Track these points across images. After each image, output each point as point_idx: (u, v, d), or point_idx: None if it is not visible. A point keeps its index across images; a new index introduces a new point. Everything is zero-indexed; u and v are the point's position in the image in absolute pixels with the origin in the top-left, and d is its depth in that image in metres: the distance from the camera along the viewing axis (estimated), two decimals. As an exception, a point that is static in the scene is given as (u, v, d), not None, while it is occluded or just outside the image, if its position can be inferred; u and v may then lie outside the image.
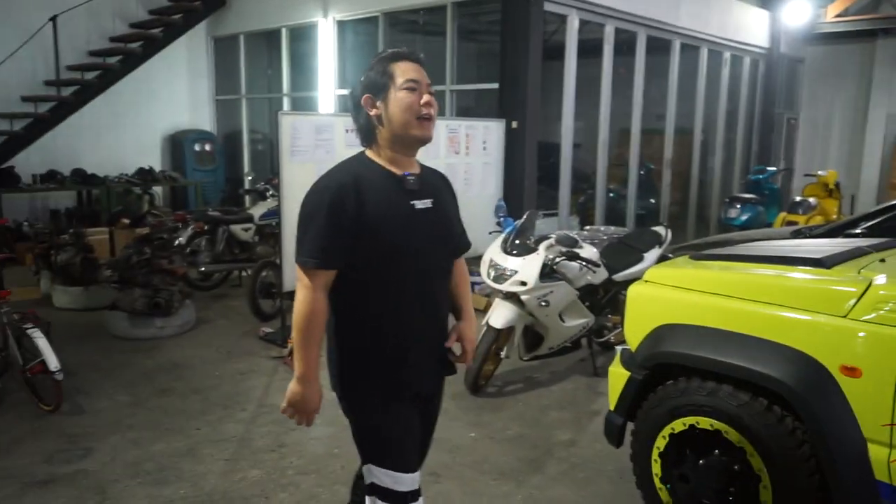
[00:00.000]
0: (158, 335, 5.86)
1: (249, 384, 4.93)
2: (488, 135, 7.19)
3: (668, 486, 2.98)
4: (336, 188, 1.98)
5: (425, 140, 2.06)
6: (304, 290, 2.00)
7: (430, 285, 2.13)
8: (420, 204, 2.07)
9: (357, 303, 2.06)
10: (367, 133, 2.08)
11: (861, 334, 2.46)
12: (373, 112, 2.04)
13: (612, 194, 9.87)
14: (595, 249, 5.02)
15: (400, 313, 2.08)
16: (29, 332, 4.28)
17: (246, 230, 7.39)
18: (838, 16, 11.95)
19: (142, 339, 5.80)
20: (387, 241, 1.99)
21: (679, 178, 10.92)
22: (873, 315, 2.44)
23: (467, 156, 6.96)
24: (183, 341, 5.85)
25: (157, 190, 10.82)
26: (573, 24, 8.14)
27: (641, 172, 9.95)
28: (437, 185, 2.20)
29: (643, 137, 9.72)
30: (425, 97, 2.02)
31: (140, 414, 4.40)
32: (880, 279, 2.55)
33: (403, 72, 2.02)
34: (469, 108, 9.78)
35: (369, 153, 2.10)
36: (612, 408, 3.24)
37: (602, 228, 6.87)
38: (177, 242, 6.63)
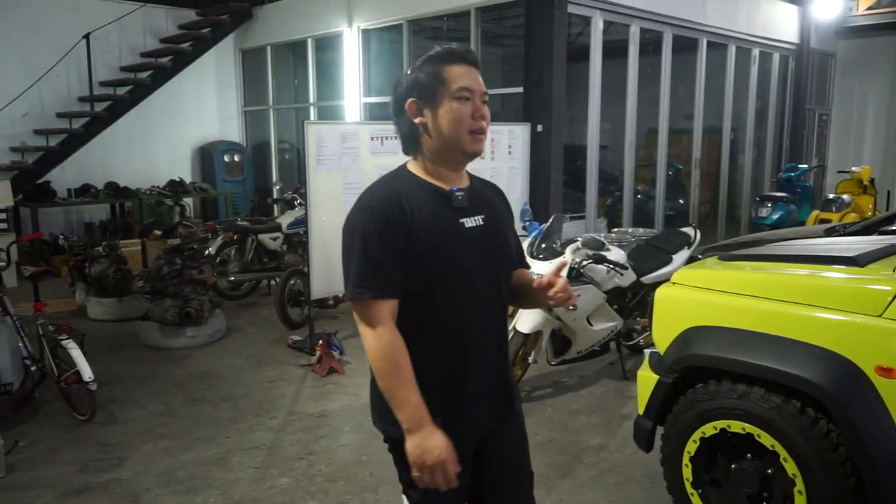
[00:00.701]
0: (189, 344, 5.94)
1: (279, 392, 4.97)
2: (514, 139, 7.17)
3: (700, 491, 2.92)
4: (380, 206, 1.75)
5: (475, 156, 1.83)
6: (367, 329, 1.74)
7: (485, 307, 1.89)
8: (470, 222, 1.85)
9: (404, 329, 1.78)
10: (411, 141, 1.85)
11: (897, 334, 2.39)
12: (418, 120, 1.80)
13: (639, 196, 9.77)
14: (622, 252, 4.97)
15: (453, 339, 1.85)
16: (63, 343, 4.36)
17: (274, 239, 7.46)
18: (870, 8, 11.70)
19: (173, 349, 5.88)
20: (436, 262, 1.78)
21: (708, 178, 10.78)
22: (909, 314, 2.38)
23: (493, 160, 6.94)
24: (213, 350, 5.92)
25: (188, 201, 11.00)
26: (597, 26, 8.09)
27: (670, 173, 9.83)
28: (489, 198, 1.97)
29: (671, 137, 9.62)
30: (480, 108, 1.79)
31: (172, 423, 4.45)
32: (916, 277, 2.48)
33: (457, 77, 1.77)
34: (495, 112, 9.67)
35: (412, 166, 1.87)
36: (641, 412, 3.20)
37: (630, 230, 6.81)
38: (207, 252, 6.72)
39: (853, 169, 9.43)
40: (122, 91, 9.95)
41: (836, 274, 2.74)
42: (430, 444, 1.67)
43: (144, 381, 5.19)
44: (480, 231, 1.87)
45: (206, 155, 11.35)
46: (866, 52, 12.40)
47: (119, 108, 9.86)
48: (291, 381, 5.18)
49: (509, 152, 7.11)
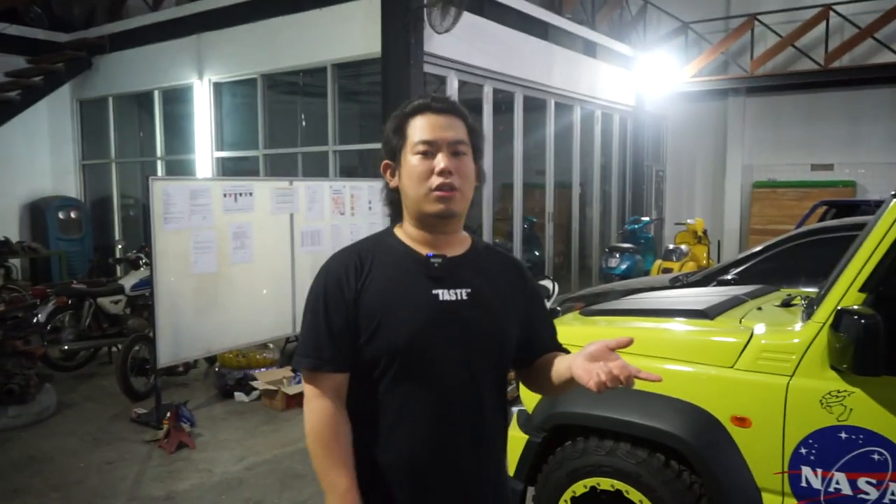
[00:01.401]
0: (12, 425, 5.24)
1: (119, 474, 4.46)
2: (373, 194, 7.11)
3: (573, 552, 2.88)
4: (335, 270, 1.59)
5: (443, 216, 1.58)
6: (308, 401, 1.56)
7: (458, 417, 1.56)
8: (447, 294, 1.57)
9: (354, 415, 1.58)
10: (392, 207, 1.69)
11: (748, 384, 2.50)
12: (392, 183, 1.64)
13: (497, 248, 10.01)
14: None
15: (402, 444, 1.55)
16: None
17: (115, 302, 6.86)
18: (693, 76, 12.94)
19: (-8, 432, 5.17)
20: (390, 339, 1.52)
21: (561, 230, 11.26)
22: (757, 364, 2.49)
23: (353, 216, 6.83)
24: (41, 431, 5.26)
25: (15, 262, 9.95)
26: (453, 85, 8.31)
27: (525, 226, 10.18)
28: (490, 271, 1.68)
29: (525, 191, 9.98)
30: (442, 162, 1.55)
31: (-13, 521, 3.86)
32: (760, 328, 2.62)
33: (416, 129, 1.58)
34: (353, 167, 9.70)
35: (398, 229, 1.68)
36: (511, 473, 3.14)
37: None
38: (35, 320, 6.03)
39: (688, 221, 10.20)
40: (-65, 141, 8.94)
41: (688, 327, 2.85)
42: None
43: (-46, 473, 4.50)
44: (460, 308, 1.57)
45: (38, 211, 10.37)
46: (693, 116, 13.68)
47: (-69, 159, 8.84)
48: (134, 461, 4.68)
49: (369, 208, 7.03)
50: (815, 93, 12.52)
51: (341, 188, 6.78)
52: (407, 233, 1.66)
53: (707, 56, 12.83)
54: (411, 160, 1.58)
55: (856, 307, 2.18)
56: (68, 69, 10.18)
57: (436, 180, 1.55)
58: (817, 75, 12.08)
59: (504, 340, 1.65)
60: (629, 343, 1.49)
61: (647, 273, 9.50)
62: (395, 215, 1.69)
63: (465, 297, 1.58)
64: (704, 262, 9.39)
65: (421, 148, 1.57)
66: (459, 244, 1.66)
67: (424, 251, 1.61)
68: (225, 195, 5.65)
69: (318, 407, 1.54)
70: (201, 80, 9.25)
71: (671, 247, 9.56)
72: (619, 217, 12.71)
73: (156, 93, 9.94)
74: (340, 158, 8.51)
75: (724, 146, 13.40)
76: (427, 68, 7.72)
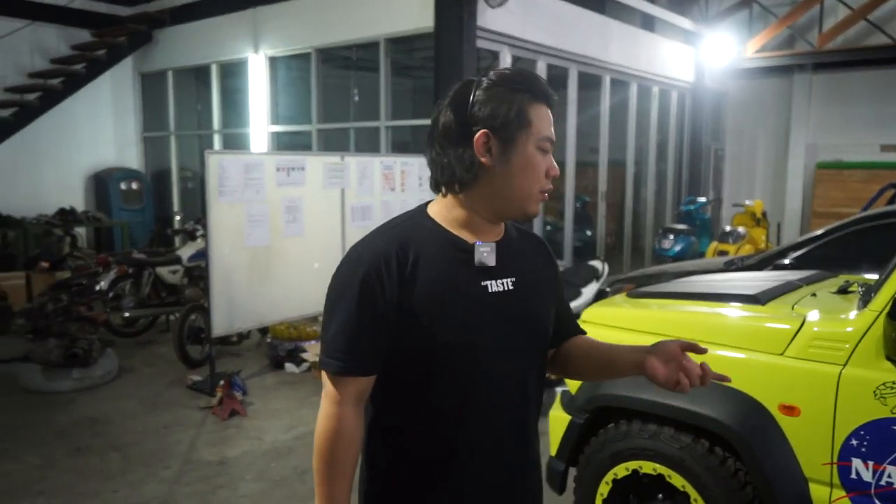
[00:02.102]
0: (76, 388, 5.49)
1: (174, 438, 4.64)
2: (424, 171, 7.11)
3: (613, 533, 2.88)
4: (371, 260, 1.41)
5: (533, 217, 1.51)
6: (326, 402, 1.45)
7: (505, 409, 1.50)
8: (496, 285, 1.47)
9: (391, 423, 1.49)
10: (459, 179, 1.44)
11: (798, 372, 2.43)
12: (485, 159, 1.41)
13: (549, 227, 9.93)
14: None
15: (456, 447, 1.46)
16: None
17: (173, 272, 7.08)
18: (757, 52, 12.47)
19: (58, 393, 5.42)
20: (439, 338, 1.41)
21: (614, 210, 11.09)
22: (809, 352, 2.42)
23: (403, 192, 6.87)
24: (103, 394, 5.50)
25: (81, 231, 10.34)
26: (506, 61, 8.20)
27: (577, 205, 10.05)
28: (526, 255, 1.58)
29: (578, 170, 9.84)
30: (554, 166, 1.48)
31: (52, 477, 4.06)
32: (813, 315, 2.54)
33: (543, 122, 1.45)
34: (405, 143, 9.73)
35: (434, 209, 1.51)
36: (553, 453, 3.14)
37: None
38: (98, 287, 6.28)
39: (746, 202, 9.90)
40: (5, 113, 9.29)
41: (739, 312, 2.78)
42: None
43: (22, 430, 4.74)
44: (507, 298, 1.48)
45: (101, 182, 10.73)
46: (756, 93, 13.19)
47: (2, 130, 9.18)
48: (189, 426, 4.86)
49: (420, 184, 7.05)
50: (888, 69, 11.91)
51: (392, 164, 6.81)
52: (453, 215, 1.48)
53: (772, 30, 12.33)
54: (532, 152, 1.43)
55: (916, 297, 2.09)
56: (130, 43, 10.43)
57: (547, 184, 1.47)
58: (891, 51, 11.48)
59: (547, 327, 1.59)
60: (703, 352, 1.49)
61: (701, 255, 9.29)
62: (451, 189, 1.47)
63: (511, 287, 1.49)
64: (763, 245, 9.12)
65: (547, 146, 1.46)
66: (499, 230, 1.54)
67: (467, 237, 1.47)
68: (278, 169, 5.74)
69: (337, 414, 1.42)
70: (257, 53, 9.37)
71: (728, 229, 9.31)
72: (675, 197, 12.43)
73: (213, 66, 10.11)
74: (393, 134, 8.53)
75: (788, 125, 12.90)
76: (480, 43, 7.64)
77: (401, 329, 1.41)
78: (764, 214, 9.60)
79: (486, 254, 1.46)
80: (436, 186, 1.50)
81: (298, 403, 5.27)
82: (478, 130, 1.41)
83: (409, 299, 1.40)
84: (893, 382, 2.20)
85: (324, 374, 1.45)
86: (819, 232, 5.23)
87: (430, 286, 1.41)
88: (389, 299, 1.39)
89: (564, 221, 9.76)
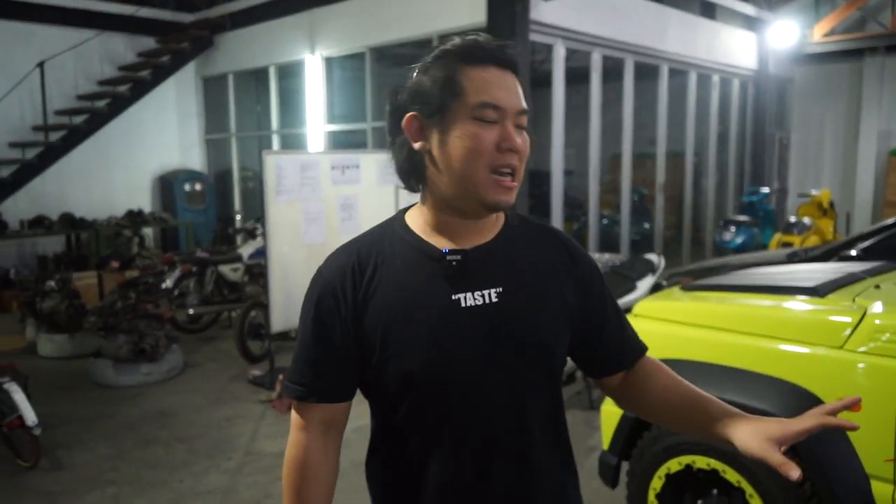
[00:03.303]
0: (144, 382, 5.73)
1: (236, 431, 4.79)
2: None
3: (667, 529, 2.84)
4: (328, 280, 1.25)
5: (498, 209, 1.23)
6: (292, 428, 1.31)
7: (500, 445, 1.24)
8: (472, 298, 1.22)
9: (379, 450, 1.35)
10: (411, 174, 1.26)
11: (859, 366, 2.35)
12: (418, 144, 1.22)
13: (605, 221, 9.81)
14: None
15: (441, 492, 1.24)
16: (5, 386, 4.14)
17: (235, 270, 7.29)
18: (825, 36, 12.00)
19: (127, 387, 5.66)
20: (399, 365, 1.21)
21: (672, 202, 10.87)
22: (870, 345, 2.34)
23: (456, 188, 6.88)
24: (169, 387, 5.71)
25: (148, 231, 10.76)
26: (560, 53, 8.13)
27: (634, 198, 9.90)
28: (526, 256, 1.30)
29: (635, 162, 9.68)
30: (511, 135, 1.19)
31: (122, 467, 4.25)
32: (876, 307, 2.45)
33: (480, 85, 1.18)
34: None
35: (412, 214, 1.31)
36: (605, 447, 3.11)
37: (596, 256, 6.78)
38: (164, 286, 6.53)
39: (812, 192, 9.57)
40: (78, 120, 9.73)
41: (796, 305, 2.70)
42: None
43: (94, 422, 4.97)
44: (488, 312, 1.22)
45: (167, 184, 11.14)
46: (823, 78, 12.70)
47: (75, 137, 9.63)
48: (250, 419, 5.00)
49: (473, 179, 7.05)
50: (965, 50, 11.33)
51: (445, 160, 6.83)
52: (421, 217, 1.28)
53: (841, 12, 11.85)
54: (469, 126, 1.17)
55: (985, 287, 1.99)
56: (193, 48, 10.77)
57: (501, 158, 1.18)
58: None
59: (553, 341, 1.29)
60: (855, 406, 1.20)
61: (765, 248, 9.03)
62: (412, 185, 1.27)
63: (495, 299, 1.23)
64: (830, 236, 8.80)
65: (488, 114, 1.18)
66: (491, 227, 1.29)
67: (442, 243, 1.25)
68: (333, 168, 5.84)
69: (301, 442, 1.28)
70: (313, 54, 9.54)
71: (792, 220, 9.01)
72: (737, 188, 12.09)
73: (271, 68, 10.35)
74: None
75: (858, 111, 12.37)
76: (533, 37, 7.60)
77: (364, 351, 1.23)
78: (831, 204, 9.26)
79: (454, 263, 1.22)
80: (406, 188, 1.30)
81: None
82: (406, 114, 1.22)
83: (367, 318, 1.22)
84: (961, 377, 2.10)
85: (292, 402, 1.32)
86: (889, 222, 5.02)
87: (389, 303, 1.21)
88: (346, 320, 1.23)
89: (621, 215, 9.62)
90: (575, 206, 10.21)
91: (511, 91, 1.20)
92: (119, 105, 10.01)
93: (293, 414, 1.31)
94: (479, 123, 1.17)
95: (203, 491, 3.92)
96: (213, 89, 11.54)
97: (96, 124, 9.80)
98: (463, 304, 1.22)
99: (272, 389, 5.35)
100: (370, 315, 1.22)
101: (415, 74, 1.24)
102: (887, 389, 2.26)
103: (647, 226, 10.38)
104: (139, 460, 4.34)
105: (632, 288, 5.24)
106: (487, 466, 1.24)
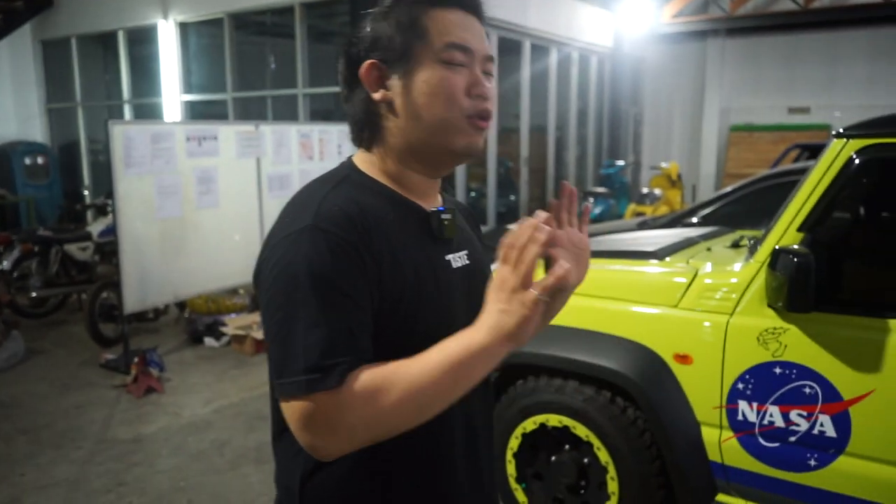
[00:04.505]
0: (-20, 372, 5.26)
1: (87, 418, 4.50)
2: (344, 139, 7.03)
3: (524, 485, 2.97)
4: (342, 225, 1.05)
5: (470, 156, 1.16)
6: (323, 434, 0.99)
7: (469, 405, 1.19)
8: (457, 260, 1.20)
9: None
10: (366, 126, 1.17)
11: (690, 322, 2.54)
12: (379, 94, 1.13)
13: (473, 193, 10.00)
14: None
15: (431, 441, 1.16)
16: None
17: (83, 249, 6.80)
18: (673, 17, 12.75)
19: (-40, 379, 5.18)
20: (420, 324, 1.11)
21: (537, 175, 11.24)
22: (700, 303, 2.53)
23: (321, 160, 6.77)
24: (9, 377, 5.27)
25: (-18, 209, 9.82)
26: (424, 26, 8.13)
27: (500, 170, 10.14)
28: (465, 223, 1.32)
29: (500, 136, 9.91)
30: (480, 80, 1.14)
31: (-47, 464, 3.90)
32: (706, 268, 2.65)
33: (446, 27, 1.11)
34: (328, 111, 9.56)
35: (364, 163, 1.19)
36: (466, 412, 3.20)
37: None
38: (0, 268, 5.99)
39: (663, 165, 10.20)
40: None
41: (637, 268, 2.88)
42: (514, 306, 0.95)
43: (-80, 418, 4.52)
44: (467, 273, 1.22)
45: (4, 156, 10.16)
46: (672, 58, 13.53)
47: None
48: (103, 405, 4.72)
49: (339, 153, 6.96)
50: (794, 34, 12.40)
51: (309, 132, 6.69)
52: (385, 170, 1.18)
53: (687, -4, 12.63)
54: (437, 70, 1.10)
55: (792, 246, 2.21)
56: (28, 8, 9.85)
57: (474, 105, 1.12)
58: (797, 16, 11.95)
59: None
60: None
61: (620, 217, 9.54)
62: (368, 140, 1.18)
63: (467, 261, 1.22)
64: (678, 206, 9.42)
65: (456, 56, 1.11)
66: (436, 190, 1.25)
67: (423, 204, 1.19)
68: (188, 139, 5.56)
69: (358, 395, 0.98)
70: (166, 19, 8.99)
71: (645, 191, 9.58)
72: (596, 161, 12.69)
73: (120, 33, 9.67)
74: (313, 102, 8.37)
75: (703, 89, 13.31)
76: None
77: (379, 314, 1.07)
78: (679, 176, 9.91)
79: (446, 222, 1.18)
80: (356, 142, 1.21)
81: (217, 377, 5.20)
82: (363, 62, 1.13)
83: (380, 277, 1.06)
84: (774, 328, 2.33)
85: (305, 402, 0.98)
86: (725, 191, 5.45)
87: (398, 263, 1.09)
88: (370, 279, 1.05)
89: (488, 187, 9.84)
90: (444, 179, 10.31)
91: (478, 35, 1.15)
92: (-59, 69, 9.03)
93: (318, 415, 0.98)
94: (446, 66, 1.11)
95: (48, 483, 3.67)
96: (54, 55, 10.62)
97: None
98: (453, 265, 1.19)
99: (127, 373, 5.08)
100: (386, 274, 1.07)
101: (369, 22, 1.15)
102: (714, 343, 2.47)
103: (512, 198, 10.68)
104: (-26, 456, 4.00)
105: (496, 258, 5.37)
106: (472, 410, 1.22)
